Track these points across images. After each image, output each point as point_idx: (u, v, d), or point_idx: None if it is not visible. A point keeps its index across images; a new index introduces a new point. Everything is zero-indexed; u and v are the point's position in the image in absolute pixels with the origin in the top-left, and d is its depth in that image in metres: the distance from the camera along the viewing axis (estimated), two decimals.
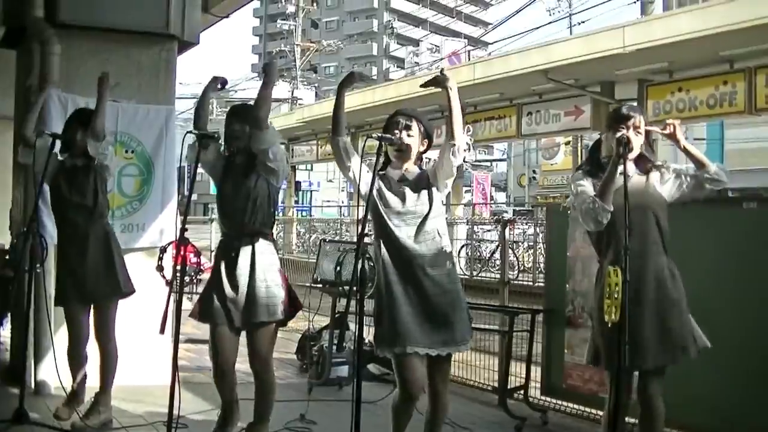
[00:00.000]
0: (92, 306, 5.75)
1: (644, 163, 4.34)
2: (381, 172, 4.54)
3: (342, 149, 4.54)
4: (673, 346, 4.22)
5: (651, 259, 4.20)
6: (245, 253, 4.94)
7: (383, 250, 4.45)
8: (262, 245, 4.98)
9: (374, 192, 4.45)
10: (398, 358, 4.39)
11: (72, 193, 5.66)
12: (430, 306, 4.40)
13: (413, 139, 4.54)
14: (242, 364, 5.17)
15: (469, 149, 4.32)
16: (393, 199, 4.47)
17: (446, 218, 4.74)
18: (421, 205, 4.46)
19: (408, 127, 4.53)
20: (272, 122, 4.97)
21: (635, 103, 14.63)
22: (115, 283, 5.73)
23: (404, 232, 4.42)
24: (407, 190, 4.48)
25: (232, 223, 5.03)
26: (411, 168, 4.57)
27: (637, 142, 4.23)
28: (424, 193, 4.47)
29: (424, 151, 4.65)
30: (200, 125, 5.07)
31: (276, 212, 5.07)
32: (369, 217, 4.40)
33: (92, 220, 5.68)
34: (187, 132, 4.93)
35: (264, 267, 4.94)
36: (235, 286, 4.93)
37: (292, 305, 5.08)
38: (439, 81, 4.47)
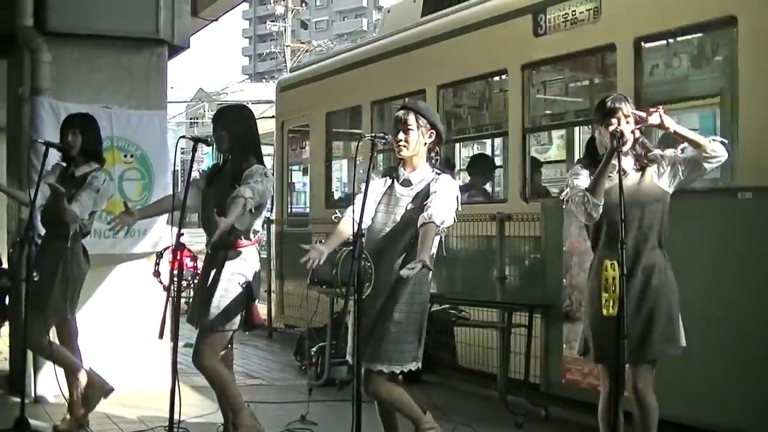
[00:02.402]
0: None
1: (642, 157, 4.32)
2: (392, 174, 4.53)
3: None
4: (659, 340, 4.21)
5: (643, 255, 4.20)
6: (217, 261, 4.89)
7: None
8: (233, 256, 4.88)
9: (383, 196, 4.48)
10: None
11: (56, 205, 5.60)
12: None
13: (412, 132, 4.43)
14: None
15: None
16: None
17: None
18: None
19: (404, 121, 4.43)
20: (250, 187, 4.75)
21: None
22: (49, 302, 5.61)
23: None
24: (404, 199, 4.46)
25: (209, 234, 4.88)
26: (418, 167, 4.47)
27: (629, 130, 4.22)
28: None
29: (434, 143, 4.51)
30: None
31: (260, 217, 4.97)
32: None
33: (64, 237, 5.62)
34: (181, 137, 4.93)
35: (228, 277, 4.86)
36: (201, 290, 4.94)
37: (248, 322, 4.98)
38: None
